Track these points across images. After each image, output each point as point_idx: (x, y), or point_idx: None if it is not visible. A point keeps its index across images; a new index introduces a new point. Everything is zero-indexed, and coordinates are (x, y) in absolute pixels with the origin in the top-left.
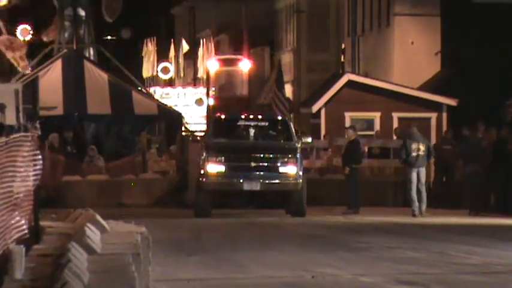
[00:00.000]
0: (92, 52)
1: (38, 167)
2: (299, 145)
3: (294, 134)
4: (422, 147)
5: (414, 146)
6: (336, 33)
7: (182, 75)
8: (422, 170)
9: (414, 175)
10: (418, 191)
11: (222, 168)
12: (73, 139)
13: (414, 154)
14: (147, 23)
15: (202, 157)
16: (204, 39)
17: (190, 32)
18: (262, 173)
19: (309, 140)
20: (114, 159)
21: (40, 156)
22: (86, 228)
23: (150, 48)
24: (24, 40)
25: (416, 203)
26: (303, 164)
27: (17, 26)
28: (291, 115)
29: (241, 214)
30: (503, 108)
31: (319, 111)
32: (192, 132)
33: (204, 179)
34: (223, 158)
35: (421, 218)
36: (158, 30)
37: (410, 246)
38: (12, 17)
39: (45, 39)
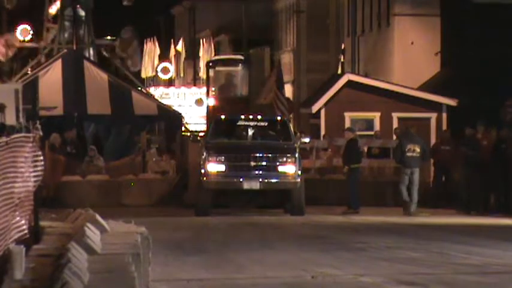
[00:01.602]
0: (91, 52)
1: (39, 167)
2: (297, 145)
3: (293, 134)
4: (417, 149)
5: (409, 146)
6: (336, 34)
7: (182, 75)
8: (416, 171)
9: (406, 176)
10: (410, 192)
11: (222, 167)
12: (73, 139)
13: (409, 154)
14: (147, 23)
15: (203, 157)
16: (204, 39)
17: (190, 32)
18: (261, 172)
19: (307, 140)
20: (114, 159)
21: (42, 157)
22: (86, 228)
23: (150, 48)
24: (24, 40)
25: (408, 203)
26: (301, 164)
27: (17, 27)
28: (291, 115)
29: (241, 214)
30: (503, 108)
31: (319, 111)
32: (192, 132)
33: (204, 179)
34: (223, 157)
35: (421, 218)
36: (158, 30)
37: (410, 246)
38: (12, 17)
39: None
